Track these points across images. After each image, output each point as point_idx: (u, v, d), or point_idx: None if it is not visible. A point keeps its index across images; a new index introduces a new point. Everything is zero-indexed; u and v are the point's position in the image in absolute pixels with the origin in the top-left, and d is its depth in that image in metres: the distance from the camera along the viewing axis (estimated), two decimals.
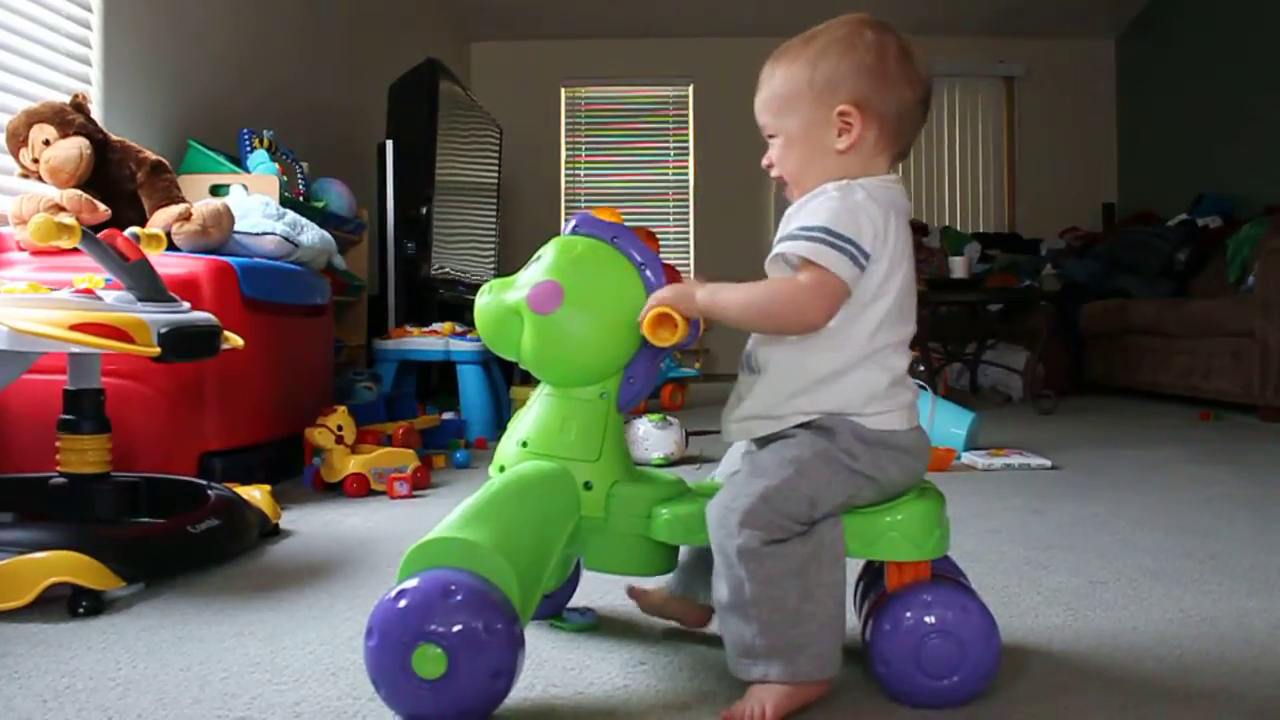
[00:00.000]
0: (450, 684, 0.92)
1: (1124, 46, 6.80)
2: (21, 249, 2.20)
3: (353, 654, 1.16)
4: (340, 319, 3.53)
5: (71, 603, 1.33)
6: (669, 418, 2.84)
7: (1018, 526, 1.91)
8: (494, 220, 5.10)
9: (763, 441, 1.08)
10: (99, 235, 1.59)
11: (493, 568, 0.96)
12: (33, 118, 2.25)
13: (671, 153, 6.99)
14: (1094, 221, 6.54)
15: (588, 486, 1.11)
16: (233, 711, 1.01)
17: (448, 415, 3.17)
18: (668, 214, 6.96)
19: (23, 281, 1.78)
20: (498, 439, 1.21)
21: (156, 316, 1.54)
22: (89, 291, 1.61)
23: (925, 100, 1.08)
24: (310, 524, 1.95)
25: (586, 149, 6.99)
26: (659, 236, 1.17)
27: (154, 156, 2.41)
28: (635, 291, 1.12)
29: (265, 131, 3.22)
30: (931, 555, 1.03)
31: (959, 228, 6.65)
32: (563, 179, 6.93)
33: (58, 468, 1.63)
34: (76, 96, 2.33)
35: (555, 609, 1.29)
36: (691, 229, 6.93)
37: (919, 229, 6.00)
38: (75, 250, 1.59)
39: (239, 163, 3.08)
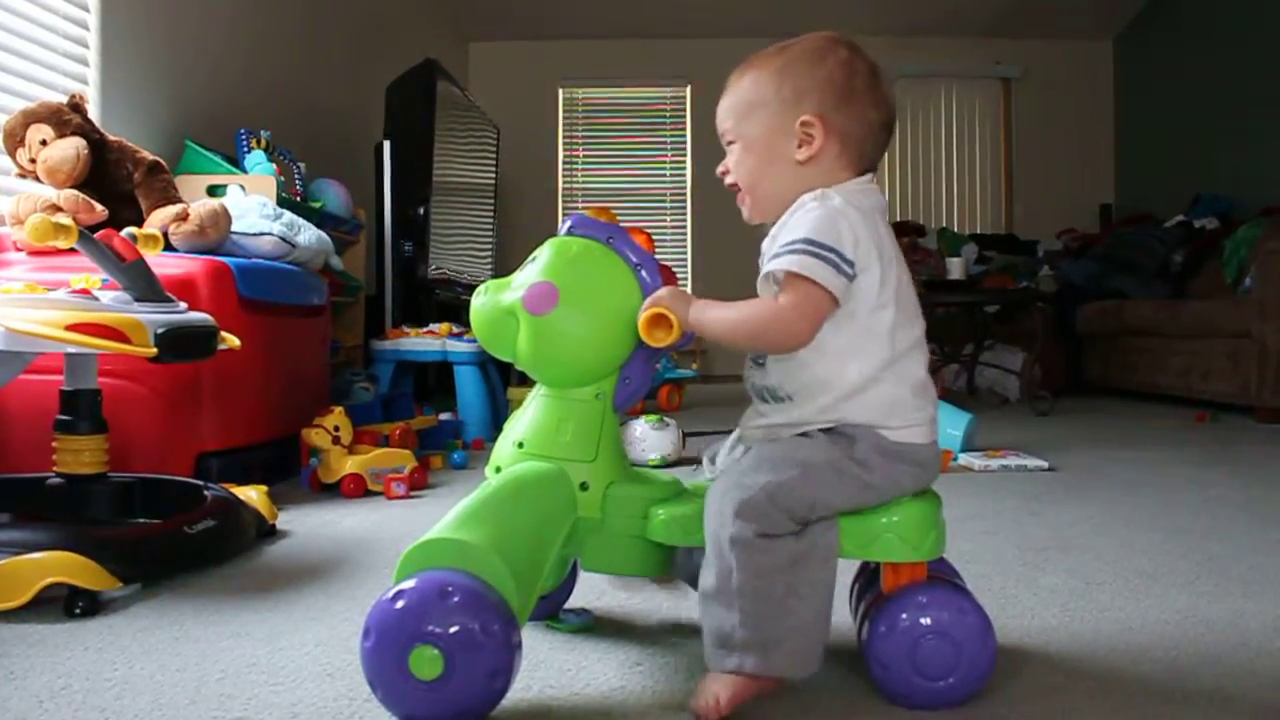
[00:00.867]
0: (447, 685, 0.92)
1: (1121, 48, 6.81)
2: (18, 249, 2.20)
3: (350, 655, 1.16)
4: (337, 319, 3.53)
5: (68, 603, 1.32)
6: (666, 419, 2.84)
7: (1014, 528, 1.91)
8: (491, 221, 5.10)
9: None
10: (96, 235, 1.58)
11: (489, 569, 0.96)
12: (30, 118, 2.25)
13: (669, 153, 6.99)
14: (1091, 223, 6.55)
15: (584, 487, 1.11)
16: (229, 712, 1.01)
17: (445, 416, 3.17)
18: (665, 214, 6.96)
19: (19, 281, 1.77)
20: (494, 440, 1.21)
21: (153, 317, 1.54)
22: (86, 292, 1.61)
23: (889, 124, 1.09)
24: (307, 525, 1.95)
25: (584, 149, 7.00)
26: (655, 237, 1.17)
27: (151, 157, 2.41)
28: (631, 292, 1.12)
29: (262, 132, 3.22)
30: (927, 557, 1.03)
31: (956, 229, 6.66)
32: (560, 179, 6.93)
33: (54, 468, 1.63)
34: (73, 97, 2.33)
35: (552, 610, 1.29)
36: (689, 229, 6.93)
37: (916, 230, 6.00)
38: (72, 250, 1.59)
39: (236, 163, 3.08)
